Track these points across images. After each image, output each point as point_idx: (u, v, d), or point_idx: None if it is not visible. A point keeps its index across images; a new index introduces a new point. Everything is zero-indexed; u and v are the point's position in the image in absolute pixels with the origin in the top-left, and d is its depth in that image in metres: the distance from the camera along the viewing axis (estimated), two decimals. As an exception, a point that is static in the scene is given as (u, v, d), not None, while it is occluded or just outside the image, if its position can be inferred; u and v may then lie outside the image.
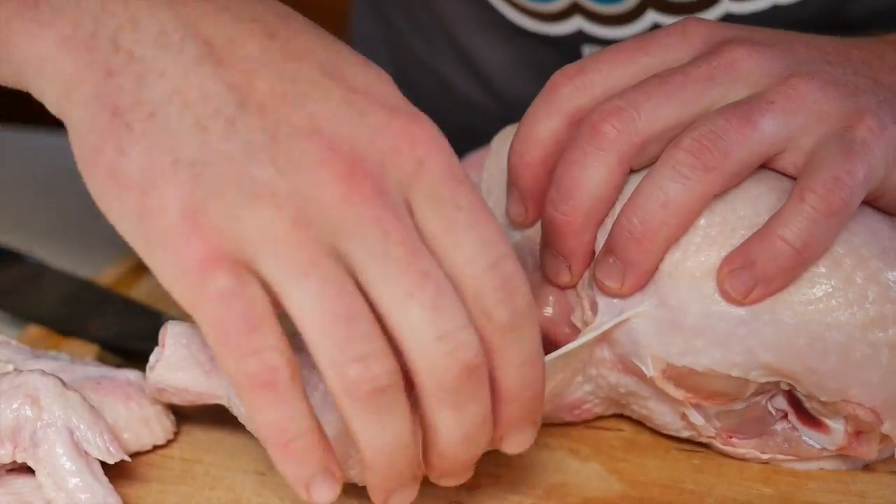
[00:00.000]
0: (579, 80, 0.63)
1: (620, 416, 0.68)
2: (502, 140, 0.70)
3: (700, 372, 0.61)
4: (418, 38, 0.99)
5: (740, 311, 0.60)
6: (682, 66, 0.62)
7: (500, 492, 0.63)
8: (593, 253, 0.63)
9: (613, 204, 0.62)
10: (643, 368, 0.62)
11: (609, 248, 0.61)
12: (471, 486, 0.63)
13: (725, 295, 0.60)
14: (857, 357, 0.60)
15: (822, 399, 0.61)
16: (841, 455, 0.64)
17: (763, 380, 0.61)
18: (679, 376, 0.62)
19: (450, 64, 0.97)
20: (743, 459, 0.65)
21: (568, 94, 0.63)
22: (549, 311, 0.65)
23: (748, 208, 0.61)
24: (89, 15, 0.55)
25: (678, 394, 0.62)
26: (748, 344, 0.60)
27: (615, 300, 0.62)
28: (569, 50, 0.84)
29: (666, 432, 0.66)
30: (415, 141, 0.53)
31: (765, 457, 0.64)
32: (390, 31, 1.03)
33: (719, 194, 0.61)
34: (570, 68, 0.64)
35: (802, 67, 0.62)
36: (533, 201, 0.65)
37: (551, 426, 0.67)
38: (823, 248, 0.60)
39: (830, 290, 0.60)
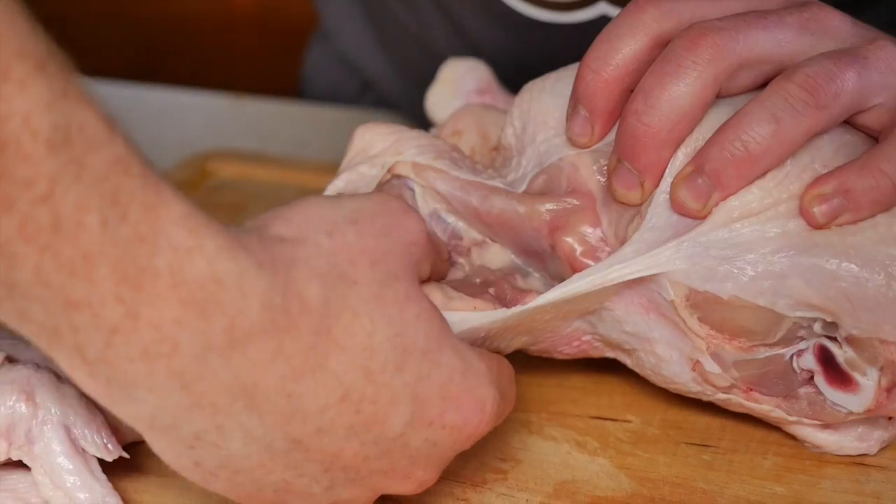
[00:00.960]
0: (667, 6, 0.61)
1: (627, 406, 0.67)
2: (537, 87, 0.68)
3: (725, 300, 0.59)
4: (408, 14, 0.97)
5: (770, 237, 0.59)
6: (774, 10, 0.61)
7: (508, 489, 0.62)
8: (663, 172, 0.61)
9: (699, 122, 0.60)
10: (661, 294, 0.60)
11: (700, 168, 0.59)
12: (477, 483, 0.62)
13: (809, 219, 0.59)
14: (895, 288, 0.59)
15: (854, 333, 0.59)
16: (866, 422, 0.62)
17: (793, 313, 0.59)
18: (703, 304, 0.60)
19: (443, 40, 0.95)
20: (766, 419, 0.63)
21: (656, 15, 0.61)
22: (576, 246, 0.63)
23: (806, 156, 0.60)
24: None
25: (701, 330, 0.60)
26: (777, 268, 0.59)
27: (647, 236, 0.60)
28: (588, 37, 0.82)
29: (672, 387, 0.64)
30: None
31: (791, 418, 0.62)
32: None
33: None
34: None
35: (868, 31, 0.61)
36: (602, 121, 0.63)
37: (556, 417, 0.66)
38: None
39: (874, 221, 0.59)
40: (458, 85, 0.79)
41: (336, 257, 0.53)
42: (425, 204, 0.66)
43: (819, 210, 0.58)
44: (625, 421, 0.66)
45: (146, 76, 1.92)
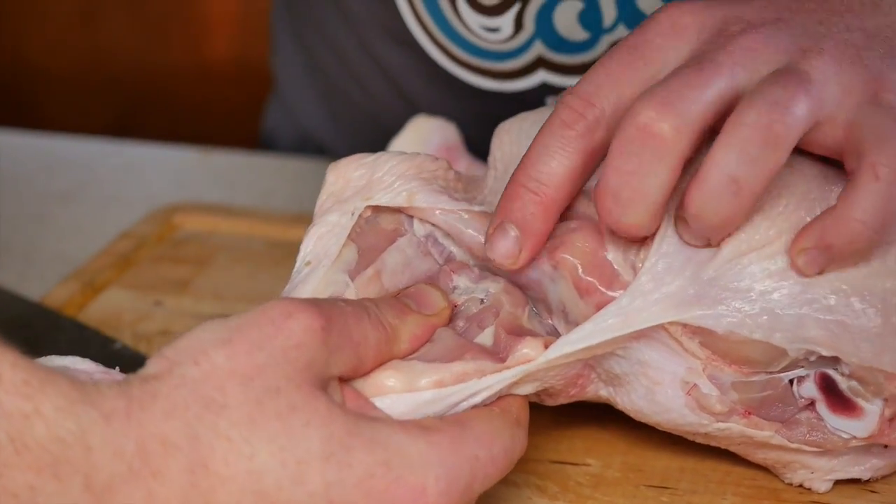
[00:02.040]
0: (591, 114, 0.60)
1: (587, 450, 0.67)
2: (514, 129, 0.67)
3: (721, 335, 0.60)
4: (357, 88, 0.99)
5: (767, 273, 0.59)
6: (702, 54, 0.59)
7: (468, 535, 0.62)
8: None
9: None
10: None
11: (684, 228, 0.60)
12: (437, 529, 0.62)
13: (798, 271, 0.59)
14: (894, 322, 0.59)
15: (855, 361, 0.59)
16: (864, 449, 0.62)
17: (791, 346, 0.59)
18: (703, 332, 0.60)
19: (392, 112, 0.96)
20: (768, 445, 0.62)
21: (583, 130, 0.60)
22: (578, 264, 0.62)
23: (801, 184, 0.60)
24: None
25: (701, 352, 0.60)
26: (775, 304, 0.59)
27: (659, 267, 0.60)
28: (531, 103, 0.84)
29: (665, 418, 0.62)
30: None
31: (792, 445, 0.62)
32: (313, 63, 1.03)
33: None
34: (574, 101, 0.60)
35: (808, 41, 0.60)
36: (534, 244, 0.61)
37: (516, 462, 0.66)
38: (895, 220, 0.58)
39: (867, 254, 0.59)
40: (424, 138, 0.79)
41: (202, 385, 0.51)
42: (421, 227, 0.65)
43: (804, 263, 0.59)
44: (584, 465, 0.67)
45: (125, 130, 1.93)
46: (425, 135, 0.79)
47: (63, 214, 0.98)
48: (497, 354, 0.60)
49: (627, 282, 0.61)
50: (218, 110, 2.06)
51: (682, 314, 0.59)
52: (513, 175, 0.61)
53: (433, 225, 0.65)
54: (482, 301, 0.63)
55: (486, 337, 0.61)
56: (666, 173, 0.57)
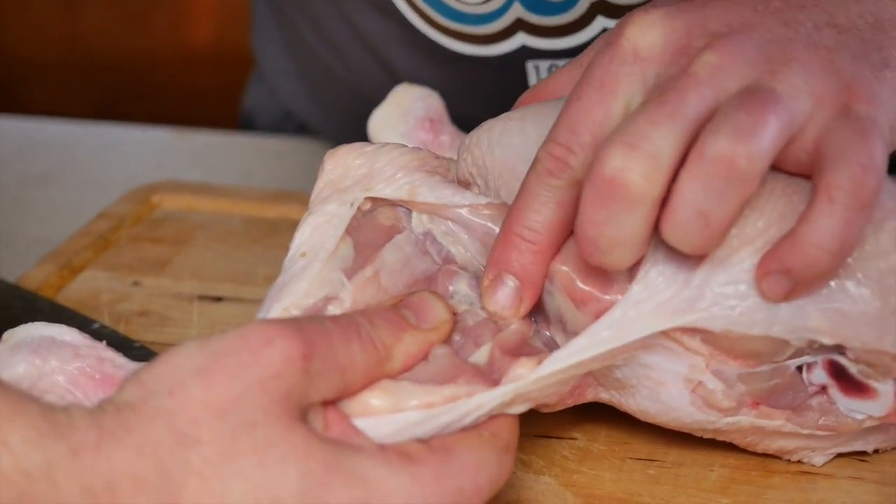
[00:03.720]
0: (574, 162, 0.58)
1: (573, 423, 0.66)
2: (484, 141, 0.66)
3: (718, 333, 0.58)
4: (336, 60, 0.98)
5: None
6: (666, 81, 0.58)
7: (452, 511, 0.61)
8: None
9: None
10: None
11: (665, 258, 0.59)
12: (421, 506, 0.61)
13: (763, 296, 0.58)
14: (893, 302, 0.58)
15: (858, 346, 0.58)
16: (880, 428, 0.62)
17: (791, 337, 0.58)
18: (703, 330, 0.59)
19: (372, 81, 0.95)
20: (779, 434, 0.62)
21: (569, 179, 0.59)
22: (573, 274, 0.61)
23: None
24: None
25: (704, 349, 0.59)
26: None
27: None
28: (511, 67, 0.83)
29: (672, 416, 0.62)
30: None
31: (804, 431, 0.61)
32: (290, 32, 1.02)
33: None
34: (556, 149, 0.59)
35: (775, 49, 0.58)
36: (534, 293, 0.61)
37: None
38: (858, 241, 0.57)
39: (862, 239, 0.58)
40: (407, 109, 0.77)
41: (176, 418, 0.50)
42: (419, 223, 0.64)
43: (768, 289, 0.57)
44: (570, 438, 0.66)
45: (106, 116, 1.92)
46: (407, 104, 0.77)
47: (42, 197, 0.98)
48: (491, 376, 0.58)
49: (625, 285, 0.60)
50: (199, 96, 2.05)
51: (677, 320, 0.58)
52: (505, 223, 0.61)
53: (439, 217, 0.64)
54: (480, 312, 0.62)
55: (481, 355, 0.60)
56: (641, 219, 0.56)
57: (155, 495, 0.49)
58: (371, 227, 0.64)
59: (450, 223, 0.64)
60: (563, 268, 0.61)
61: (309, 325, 0.54)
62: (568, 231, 0.61)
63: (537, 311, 0.62)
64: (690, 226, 0.55)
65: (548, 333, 0.62)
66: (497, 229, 0.62)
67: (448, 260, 0.64)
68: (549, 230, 0.60)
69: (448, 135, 0.76)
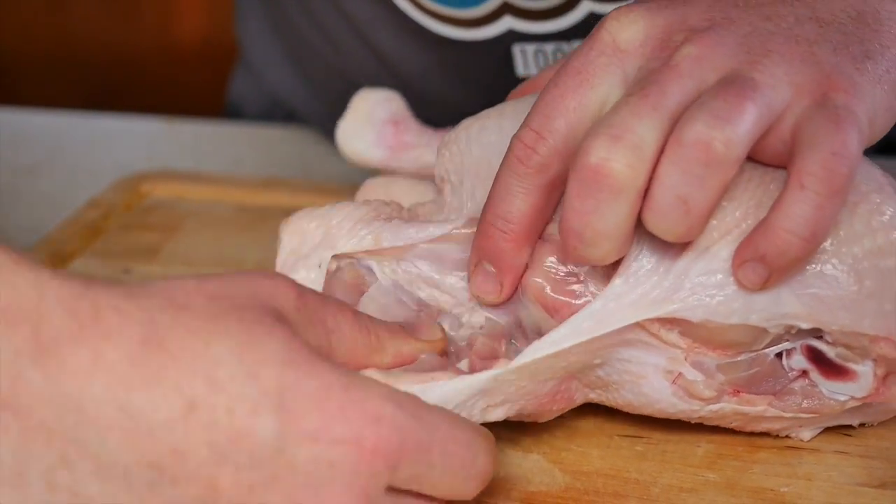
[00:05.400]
0: (543, 148, 0.60)
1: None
2: (462, 139, 0.67)
3: (697, 323, 0.59)
4: (325, 43, 0.98)
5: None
6: (647, 74, 0.58)
7: (442, 489, 0.62)
8: None
9: None
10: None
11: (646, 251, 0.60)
12: (411, 484, 0.62)
13: (741, 284, 0.58)
14: (868, 285, 0.59)
15: (834, 328, 0.59)
16: (862, 407, 0.62)
17: (768, 324, 0.59)
18: (681, 322, 0.60)
19: (361, 65, 0.95)
20: (763, 418, 0.62)
21: (537, 165, 0.60)
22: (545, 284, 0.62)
23: None
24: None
25: (682, 342, 0.60)
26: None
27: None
28: (497, 51, 0.83)
29: (656, 407, 0.63)
30: None
31: (787, 415, 0.62)
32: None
33: None
34: (526, 135, 0.60)
35: (756, 41, 0.59)
36: (512, 278, 0.62)
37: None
38: (831, 226, 0.57)
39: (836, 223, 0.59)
40: (370, 115, 0.77)
41: (166, 291, 0.51)
42: (384, 276, 0.65)
43: (744, 277, 0.58)
44: (558, 417, 0.66)
45: (95, 109, 1.92)
46: (369, 110, 0.77)
47: (31, 187, 0.98)
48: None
49: (595, 291, 0.61)
50: (187, 90, 2.05)
51: (656, 311, 0.59)
52: (482, 212, 0.62)
53: (405, 262, 0.65)
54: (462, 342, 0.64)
55: (462, 365, 0.61)
56: (626, 209, 0.57)
57: (140, 330, 0.49)
58: (341, 286, 0.65)
59: (414, 266, 0.65)
60: (536, 280, 0.62)
61: (307, 287, 0.56)
62: (544, 216, 0.62)
63: (515, 326, 0.64)
64: (672, 212, 0.56)
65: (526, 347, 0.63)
66: (468, 254, 0.64)
67: (421, 305, 0.65)
68: (522, 218, 0.61)
69: (412, 132, 0.76)
